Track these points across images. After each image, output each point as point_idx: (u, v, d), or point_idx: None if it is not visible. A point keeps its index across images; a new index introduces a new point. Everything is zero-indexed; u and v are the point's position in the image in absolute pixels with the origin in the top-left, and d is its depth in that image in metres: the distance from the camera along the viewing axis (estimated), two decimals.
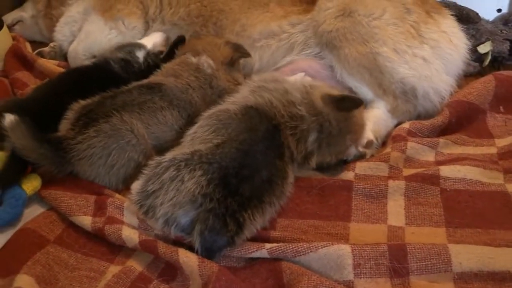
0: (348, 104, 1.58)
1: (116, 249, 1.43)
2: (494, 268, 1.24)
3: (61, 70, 2.23)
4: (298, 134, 1.53)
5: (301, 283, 1.22)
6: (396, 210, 1.49)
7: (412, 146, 1.71)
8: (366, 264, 1.26)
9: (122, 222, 1.45)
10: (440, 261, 1.25)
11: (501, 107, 1.91)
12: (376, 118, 1.86)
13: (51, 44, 2.55)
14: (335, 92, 1.64)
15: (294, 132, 1.53)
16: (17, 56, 2.35)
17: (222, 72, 1.86)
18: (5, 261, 1.37)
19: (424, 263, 1.25)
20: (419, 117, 1.95)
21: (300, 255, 1.30)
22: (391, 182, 1.56)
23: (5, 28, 2.44)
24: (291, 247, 1.31)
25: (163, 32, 2.20)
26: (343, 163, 1.69)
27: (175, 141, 1.60)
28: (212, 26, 2.18)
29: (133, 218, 1.47)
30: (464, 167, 1.58)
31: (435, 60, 1.92)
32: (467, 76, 2.16)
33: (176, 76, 1.80)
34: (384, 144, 1.84)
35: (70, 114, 1.62)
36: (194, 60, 1.85)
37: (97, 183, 1.60)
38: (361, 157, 1.72)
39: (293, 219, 1.48)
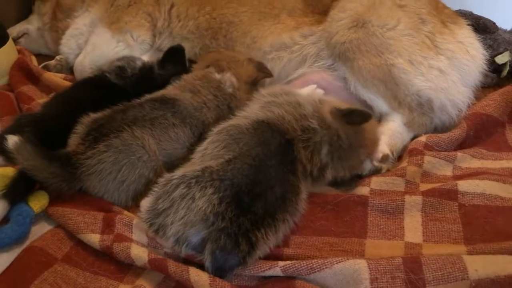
0: (357, 118, 1.54)
1: (126, 268, 1.40)
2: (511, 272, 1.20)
3: (68, 83, 2.19)
4: (311, 146, 1.50)
5: None
6: (413, 226, 1.45)
7: (429, 160, 1.68)
8: (383, 278, 1.23)
9: (131, 240, 1.42)
10: (456, 269, 1.21)
11: None
12: (391, 132, 1.83)
13: (57, 57, 2.50)
14: (344, 106, 1.61)
15: (307, 145, 1.50)
16: (22, 70, 2.31)
17: (243, 92, 1.80)
18: (12, 280, 1.34)
19: (440, 273, 1.22)
20: (435, 130, 1.91)
21: (315, 271, 1.26)
22: (407, 197, 1.52)
23: (10, 41, 2.38)
24: (305, 264, 1.27)
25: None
26: (358, 178, 1.66)
27: (186, 158, 1.57)
28: (222, 39, 2.16)
29: (142, 236, 1.44)
30: (483, 182, 1.53)
31: (451, 71, 1.88)
32: (485, 88, 2.12)
33: (194, 92, 1.74)
34: (400, 158, 1.81)
35: (80, 128, 1.59)
36: (217, 76, 1.80)
37: (105, 199, 1.56)
38: (376, 171, 1.69)
39: (307, 236, 1.45)
